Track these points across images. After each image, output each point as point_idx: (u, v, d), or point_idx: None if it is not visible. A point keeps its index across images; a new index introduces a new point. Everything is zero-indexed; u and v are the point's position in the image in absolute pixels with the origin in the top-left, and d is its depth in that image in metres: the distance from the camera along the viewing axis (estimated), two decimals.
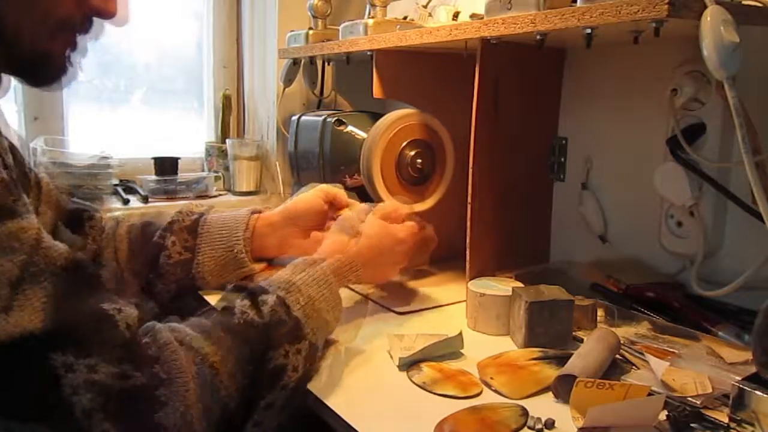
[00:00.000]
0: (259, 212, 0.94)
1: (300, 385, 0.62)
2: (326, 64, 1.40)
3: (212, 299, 0.84)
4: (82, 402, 0.45)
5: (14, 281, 0.45)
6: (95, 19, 0.60)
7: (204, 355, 0.54)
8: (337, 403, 0.61)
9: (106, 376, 0.47)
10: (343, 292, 0.91)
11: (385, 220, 0.84)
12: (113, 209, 1.26)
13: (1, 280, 0.45)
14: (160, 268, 0.85)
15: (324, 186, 0.97)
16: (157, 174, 1.41)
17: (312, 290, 0.68)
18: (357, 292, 0.93)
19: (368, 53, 1.01)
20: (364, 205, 0.91)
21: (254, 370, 0.58)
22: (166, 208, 0.94)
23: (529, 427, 0.57)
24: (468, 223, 0.86)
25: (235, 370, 0.56)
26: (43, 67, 0.59)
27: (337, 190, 0.96)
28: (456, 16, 1.11)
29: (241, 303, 0.62)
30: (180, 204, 0.92)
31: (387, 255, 0.83)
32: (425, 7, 1.20)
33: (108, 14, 0.60)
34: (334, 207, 0.96)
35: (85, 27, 0.61)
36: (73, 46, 0.60)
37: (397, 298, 0.90)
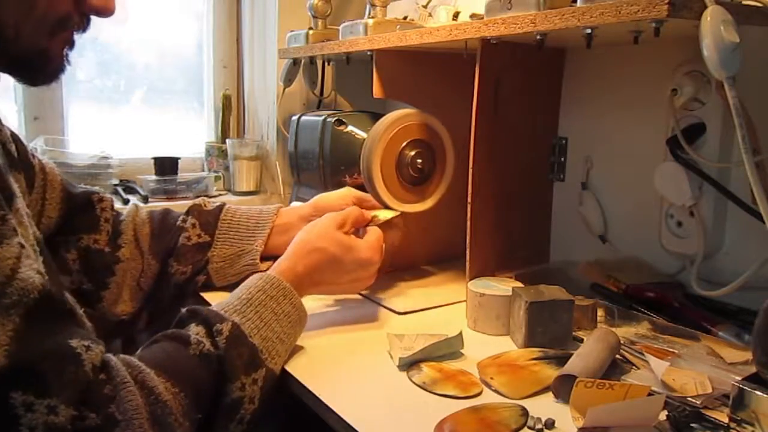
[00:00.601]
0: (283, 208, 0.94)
1: (255, 416, 0.61)
2: (326, 64, 1.40)
3: (213, 300, 0.85)
4: None
5: None
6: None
7: (158, 394, 0.52)
8: (337, 402, 0.61)
9: (65, 419, 0.45)
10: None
11: (341, 228, 0.80)
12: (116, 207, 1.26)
13: None
14: (179, 249, 0.86)
15: (354, 190, 0.96)
16: (157, 174, 1.41)
17: (270, 309, 0.67)
18: (356, 294, 0.93)
19: (368, 53, 1.01)
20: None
21: (210, 405, 0.57)
22: (169, 208, 0.94)
23: (529, 427, 0.57)
24: (468, 223, 0.86)
25: (189, 407, 0.55)
26: (42, 65, 0.59)
27: (360, 192, 0.95)
28: (456, 16, 1.11)
29: (196, 330, 0.60)
30: (180, 204, 0.93)
31: (348, 273, 0.79)
32: (425, 7, 1.20)
33: (107, 12, 0.60)
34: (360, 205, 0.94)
35: (84, 25, 0.61)
36: (71, 44, 0.60)
37: (397, 298, 0.90)
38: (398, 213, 0.92)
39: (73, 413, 0.46)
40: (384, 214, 0.91)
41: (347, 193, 0.95)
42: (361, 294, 0.92)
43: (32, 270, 0.48)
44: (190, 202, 0.92)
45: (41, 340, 0.47)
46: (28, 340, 0.46)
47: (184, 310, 0.64)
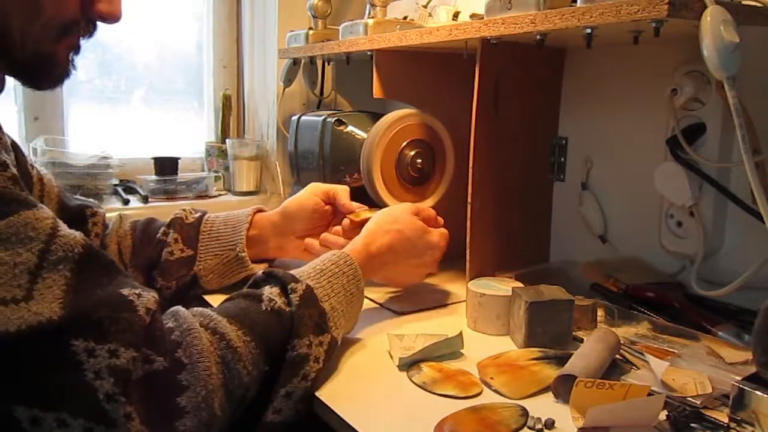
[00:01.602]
0: (262, 211, 0.94)
1: (319, 377, 0.63)
2: (326, 64, 1.40)
3: (214, 301, 0.84)
4: (104, 387, 0.46)
5: (33, 270, 0.46)
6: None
7: (228, 340, 0.55)
8: (337, 402, 0.61)
9: (128, 361, 0.47)
10: None
11: (417, 215, 0.84)
12: (113, 209, 1.26)
13: (20, 269, 0.46)
14: (162, 265, 0.85)
15: (320, 184, 0.96)
16: (157, 174, 1.41)
17: (340, 284, 0.69)
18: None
19: (368, 53, 1.01)
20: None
21: (277, 358, 0.59)
22: (168, 209, 0.94)
23: (529, 427, 0.57)
24: (468, 223, 0.86)
25: (258, 356, 0.57)
26: (47, 70, 0.60)
27: (337, 188, 0.95)
28: (456, 16, 1.11)
29: (270, 290, 0.63)
30: (180, 204, 0.93)
31: (417, 257, 0.83)
32: (425, 7, 1.20)
33: (114, 18, 0.60)
34: (329, 200, 0.95)
35: (90, 30, 0.61)
36: (77, 49, 0.61)
37: (397, 298, 0.90)
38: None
39: (134, 355, 0.48)
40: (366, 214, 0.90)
41: (311, 188, 0.95)
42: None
43: (70, 229, 0.50)
44: (190, 203, 0.92)
45: (93, 290, 0.49)
46: (81, 290, 0.48)
47: (260, 272, 0.67)
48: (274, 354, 0.59)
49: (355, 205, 0.93)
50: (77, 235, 0.50)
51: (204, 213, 0.91)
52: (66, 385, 0.46)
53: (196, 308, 0.58)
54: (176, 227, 0.88)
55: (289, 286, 0.63)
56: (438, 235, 0.85)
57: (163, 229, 0.88)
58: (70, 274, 0.48)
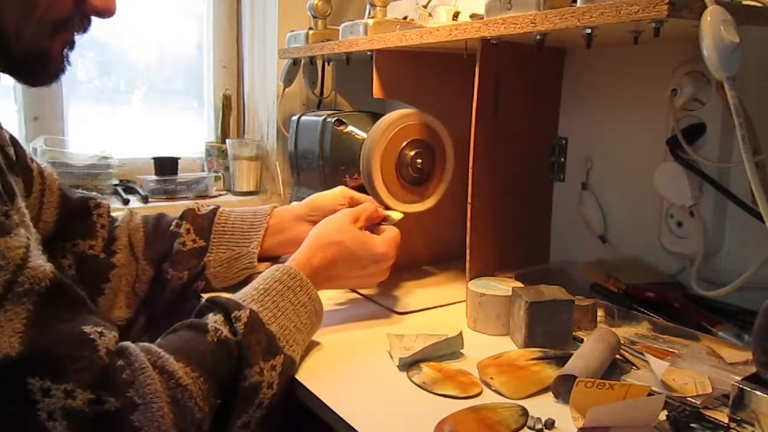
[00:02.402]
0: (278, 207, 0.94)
1: (275, 401, 0.61)
2: (326, 64, 1.40)
3: None
4: (57, 429, 0.45)
5: None
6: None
7: (177, 378, 0.53)
8: (337, 402, 0.61)
9: (83, 403, 0.46)
10: (342, 291, 0.92)
11: (356, 223, 0.81)
12: (113, 209, 1.26)
13: None
14: (174, 256, 0.85)
15: (350, 190, 0.96)
16: (157, 174, 1.41)
17: (287, 300, 0.67)
18: (357, 291, 0.93)
19: (368, 53, 1.01)
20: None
21: (229, 390, 0.58)
22: (168, 209, 0.94)
23: (529, 427, 0.57)
24: (468, 223, 0.86)
25: (209, 391, 0.55)
26: (42, 66, 0.59)
27: (354, 192, 0.95)
28: (456, 16, 1.11)
29: (214, 318, 0.61)
30: (180, 204, 0.93)
31: (362, 268, 0.80)
32: (425, 7, 1.20)
33: (108, 13, 0.60)
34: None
35: (84, 26, 0.61)
36: (71, 45, 0.60)
37: (397, 298, 0.90)
38: (402, 215, 0.92)
39: (90, 397, 0.46)
40: (396, 215, 0.91)
41: (342, 192, 0.95)
42: (361, 294, 0.92)
43: (41, 259, 0.49)
44: (190, 203, 0.92)
45: (55, 326, 0.48)
46: (43, 326, 0.46)
47: (204, 300, 0.65)
48: (225, 384, 0.58)
49: (383, 212, 0.92)
50: (47, 267, 0.49)
51: (217, 207, 0.91)
52: (19, 423, 0.45)
53: (142, 344, 0.55)
54: (188, 218, 0.88)
55: (232, 315, 0.61)
56: (383, 244, 0.81)
57: (175, 221, 0.88)
58: (33, 308, 0.46)
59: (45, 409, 0.44)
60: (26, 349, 0.45)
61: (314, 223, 0.92)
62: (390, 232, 0.84)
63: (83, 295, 0.52)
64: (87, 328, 0.49)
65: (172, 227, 0.87)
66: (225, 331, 0.59)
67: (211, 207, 0.91)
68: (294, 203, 0.97)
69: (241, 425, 0.58)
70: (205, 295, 0.86)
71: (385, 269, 0.82)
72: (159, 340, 0.59)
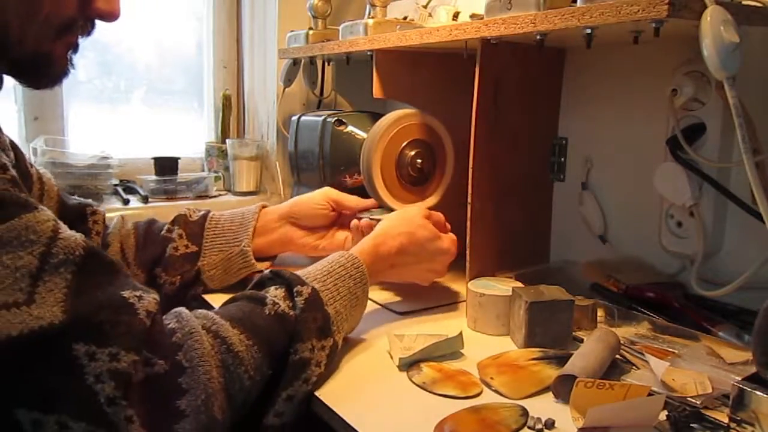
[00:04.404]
0: (266, 207, 0.95)
1: (320, 381, 0.63)
2: (326, 64, 1.40)
3: (214, 301, 0.84)
4: (105, 390, 0.46)
5: (34, 273, 0.46)
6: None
7: (230, 344, 0.55)
8: (337, 403, 0.61)
9: (128, 364, 0.47)
10: None
11: (432, 224, 0.84)
12: (113, 209, 1.26)
13: (22, 272, 0.46)
14: (166, 261, 0.86)
15: (333, 191, 0.97)
16: (157, 174, 1.41)
17: (346, 287, 0.69)
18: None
19: (368, 53, 1.01)
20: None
21: (279, 361, 0.59)
22: (168, 209, 0.94)
23: (529, 427, 0.57)
24: (468, 223, 0.86)
25: (260, 360, 0.57)
26: (46, 69, 0.60)
27: (338, 193, 0.97)
28: (456, 16, 1.11)
29: (274, 292, 0.63)
30: (180, 204, 0.93)
31: (427, 261, 0.83)
32: (425, 7, 1.20)
33: (112, 17, 0.60)
34: (339, 209, 0.97)
35: (88, 29, 0.61)
36: (75, 47, 0.61)
37: (397, 298, 0.90)
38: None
39: (135, 358, 0.48)
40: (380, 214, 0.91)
41: (325, 194, 0.97)
42: None
43: (71, 231, 0.50)
44: (190, 203, 0.92)
45: (94, 293, 0.49)
46: (82, 293, 0.48)
47: (267, 271, 0.67)
48: (277, 357, 0.59)
49: (369, 202, 0.94)
50: (78, 236, 0.50)
51: (208, 211, 0.92)
52: (67, 389, 0.46)
53: (199, 310, 0.58)
54: (180, 224, 0.88)
55: (295, 289, 0.63)
56: (449, 241, 0.84)
57: (167, 226, 0.88)
58: (71, 277, 0.48)
59: (92, 372, 0.46)
60: (69, 317, 0.46)
61: (295, 224, 0.94)
62: (453, 236, 0.86)
63: (117, 261, 0.54)
64: (126, 293, 0.51)
65: (163, 232, 0.87)
66: (283, 305, 0.61)
67: (202, 212, 0.91)
68: (282, 204, 0.97)
69: (286, 397, 0.59)
70: (208, 297, 0.87)
71: (446, 266, 0.85)
72: (217, 308, 0.61)
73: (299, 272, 0.67)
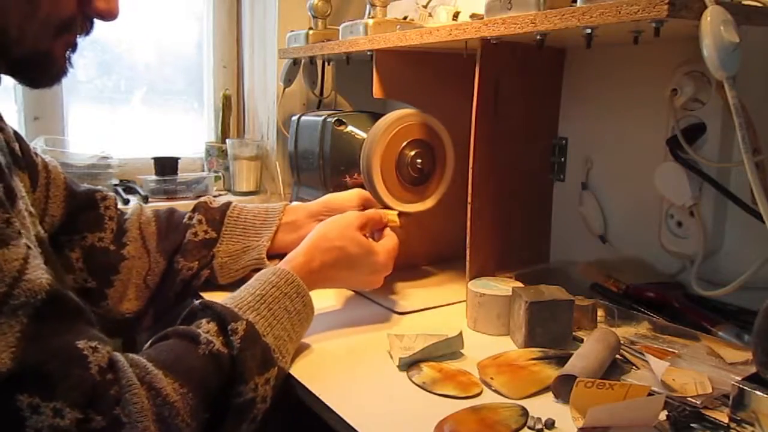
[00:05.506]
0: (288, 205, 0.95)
1: (266, 412, 0.61)
2: (326, 64, 1.40)
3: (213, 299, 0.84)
4: None
5: None
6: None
7: (165, 396, 0.52)
8: (337, 403, 0.61)
9: (71, 422, 0.45)
10: (342, 291, 0.92)
11: (362, 230, 0.81)
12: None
13: None
14: (185, 245, 0.86)
15: (366, 193, 0.96)
16: (157, 174, 1.41)
17: (283, 307, 0.66)
18: (357, 291, 0.93)
19: (368, 53, 1.01)
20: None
21: (220, 405, 0.57)
22: (174, 207, 0.94)
23: (529, 427, 0.57)
24: (468, 223, 0.86)
25: (197, 406, 0.54)
26: (45, 68, 0.60)
27: (370, 196, 0.95)
28: (456, 16, 1.11)
29: (207, 327, 0.59)
30: (180, 204, 0.93)
31: (360, 275, 0.80)
32: (425, 7, 1.20)
33: (111, 16, 0.60)
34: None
35: (87, 28, 0.61)
36: (74, 47, 0.61)
37: (397, 298, 0.90)
38: (396, 211, 0.93)
39: (78, 416, 0.46)
40: (393, 216, 0.90)
41: (358, 195, 0.95)
42: (361, 294, 0.92)
43: (40, 270, 0.48)
44: (190, 203, 0.92)
45: (48, 340, 0.47)
46: (36, 341, 0.46)
47: (197, 302, 0.63)
48: (215, 397, 0.57)
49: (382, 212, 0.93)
50: (44, 279, 0.48)
51: (230, 201, 0.92)
52: None
53: (131, 356, 0.54)
54: (201, 210, 0.89)
55: (229, 327, 0.59)
56: (384, 254, 0.80)
57: (188, 214, 0.89)
58: (27, 321, 0.46)
59: (33, 426, 0.44)
60: (17, 365, 0.44)
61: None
62: (390, 242, 0.83)
63: (82, 305, 0.52)
64: (81, 343, 0.48)
65: (185, 219, 0.89)
66: (218, 344, 0.58)
67: (224, 200, 0.92)
68: (295, 203, 0.97)
69: None
70: (204, 293, 0.87)
71: (381, 279, 0.82)
72: (148, 346, 0.58)
73: (230, 298, 0.64)
